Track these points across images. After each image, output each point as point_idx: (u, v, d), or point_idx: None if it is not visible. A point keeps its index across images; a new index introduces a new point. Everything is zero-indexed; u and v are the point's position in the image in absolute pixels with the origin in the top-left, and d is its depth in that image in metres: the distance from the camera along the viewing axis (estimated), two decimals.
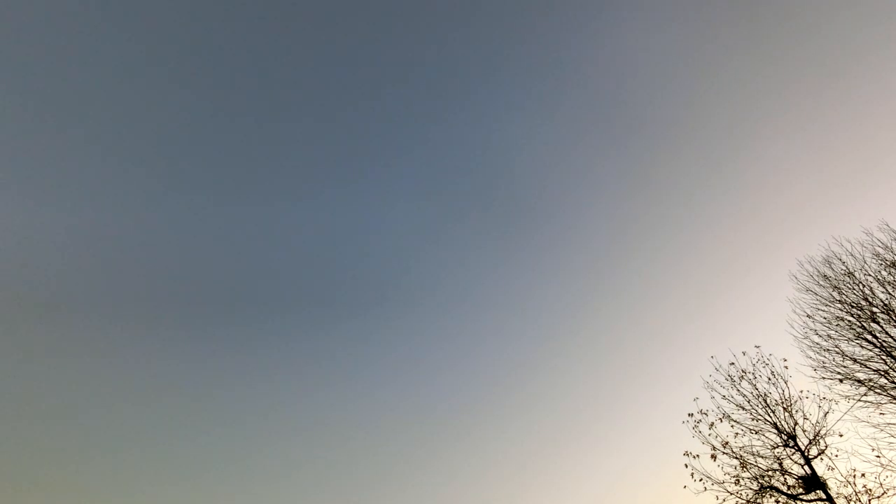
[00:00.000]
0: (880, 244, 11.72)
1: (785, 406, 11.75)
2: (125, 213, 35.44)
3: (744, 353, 12.61)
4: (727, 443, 11.90)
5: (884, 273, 11.46)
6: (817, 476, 10.92)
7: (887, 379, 10.96)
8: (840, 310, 11.85)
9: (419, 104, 43.16)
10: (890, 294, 11.22)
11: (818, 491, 10.81)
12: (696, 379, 13.04)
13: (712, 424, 12.16)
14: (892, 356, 10.91)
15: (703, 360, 13.11)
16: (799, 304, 12.65)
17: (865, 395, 11.20)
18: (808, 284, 12.67)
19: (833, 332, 11.86)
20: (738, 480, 11.45)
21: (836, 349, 11.71)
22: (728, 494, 11.35)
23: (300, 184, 42.45)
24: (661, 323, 36.44)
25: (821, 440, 11.23)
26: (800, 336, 12.36)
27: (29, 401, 28.18)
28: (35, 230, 31.31)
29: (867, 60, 30.35)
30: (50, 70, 32.18)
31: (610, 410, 33.91)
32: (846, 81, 31.82)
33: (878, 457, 10.59)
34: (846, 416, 11.26)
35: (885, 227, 11.80)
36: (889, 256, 11.54)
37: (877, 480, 10.50)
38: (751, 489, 11.31)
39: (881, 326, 11.12)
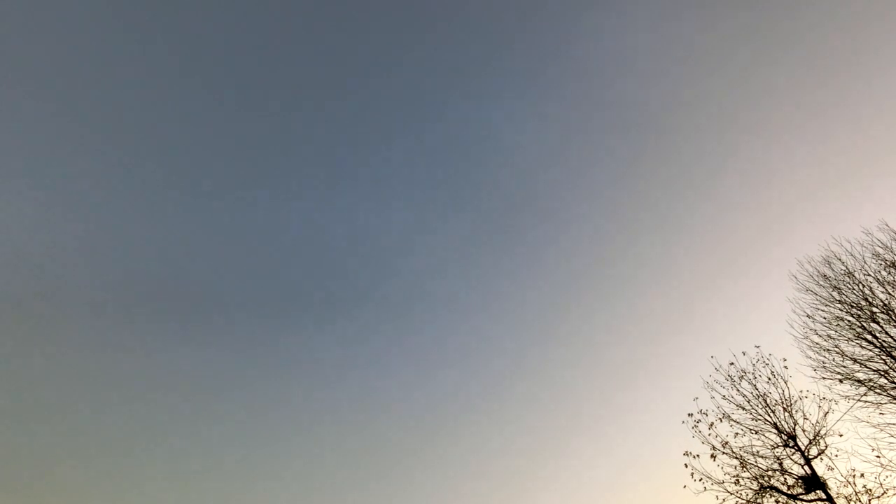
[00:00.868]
0: (880, 244, 11.73)
1: (785, 406, 11.76)
2: (119, 215, 35.46)
3: (744, 353, 12.63)
4: (727, 443, 11.90)
5: (883, 273, 11.47)
6: (817, 476, 10.92)
7: (887, 379, 10.97)
8: (840, 310, 11.86)
9: (412, 102, 43.17)
10: (890, 294, 11.22)
11: (818, 491, 10.81)
12: (695, 379, 13.06)
13: (712, 424, 12.17)
14: (892, 356, 10.91)
15: (703, 360, 13.12)
16: (799, 304, 12.66)
17: (865, 395, 11.20)
18: (807, 284, 12.68)
19: (833, 332, 11.87)
20: (738, 480, 11.45)
21: (836, 349, 11.72)
22: (728, 494, 11.36)
23: (292, 183, 42.45)
24: (660, 323, 36.45)
25: (821, 440, 11.23)
26: (800, 336, 12.37)
27: (29, 400, 28.21)
28: (33, 231, 31.32)
29: (867, 59, 30.36)
30: (47, 71, 32.21)
31: (609, 410, 33.91)
32: (846, 80, 31.83)
33: (878, 457, 10.60)
34: (846, 416, 11.27)
35: (885, 227, 11.81)
36: (889, 256, 11.54)
37: (877, 480, 10.51)
38: (751, 489, 11.32)
39: (881, 326, 11.12)
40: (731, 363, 12.67)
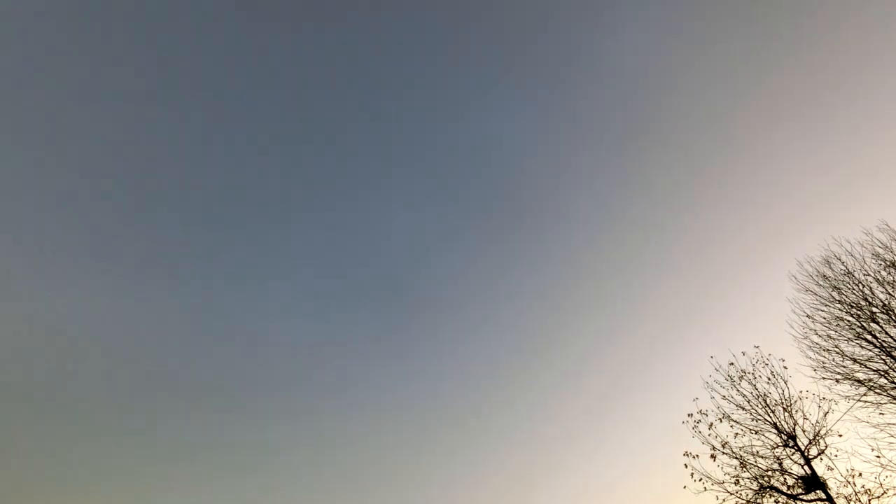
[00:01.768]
0: (880, 244, 11.72)
1: (785, 406, 11.75)
2: (120, 213, 35.41)
3: (744, 354, 12.63)
4: (727, 443, 11.90)
5: (883, 273, 11.46)
6: (817, 476, 10.92)
7: (887, 379, 10.96)
8: (840, 310, 11.85)
9: (426, 108, 43.22)
10: (890, 294, 11.21)
11: (818, 491, 10.80)
12: (695, 379, 13.05)
13: (712, 424, 12.16)
14: (892, 356, 10.90)
15: (703, 360, 13.12)
16: (799, 304, 12.65)
17: (865, 395, 11.19)
18: (807, 284, 12.68)
19: (833, 332, 11.86)
20: (738, 480, 11.45)
21: (836, 349, 11.71)
22: (728, 494, 11.35)
23: (308, 188, 42.53)
24: (661, 323, 36.43)
25: (821, 440, 11.23)
26: (800, 336, 12.36)
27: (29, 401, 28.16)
28: (33, 230, 31.32)
29: (868, 59, 30.35)
30: (48, 72, 32.20)
31: (609, 411, 33.89)
32: (846, 81, 31.82)
33: (877, 457, 10.59)
34: (846, 416, 11.27)
35: (885, 227, 11.80)
36: (889, 256, 11.54)
37: (876, 480, 10.50)
38: (751, 489, 11.31)
39: (881, 326, 11.11)
40: (731, 363, 12.68)
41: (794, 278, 13.00)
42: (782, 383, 11.96)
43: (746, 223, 35.84)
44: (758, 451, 11.62)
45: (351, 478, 31.32)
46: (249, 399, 34.42)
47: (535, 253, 42.38)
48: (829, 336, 11.90)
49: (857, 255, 11.96)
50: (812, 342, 12.12)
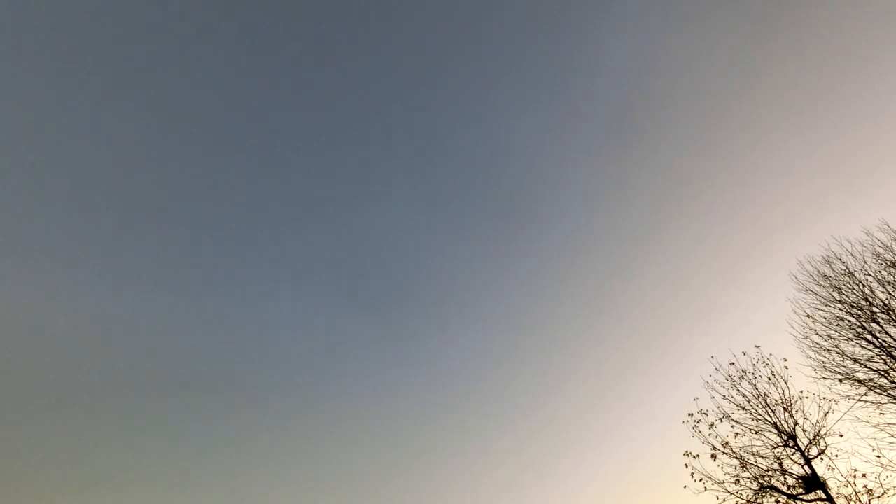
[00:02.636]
0: (880, 244, 11.72)
1: (785, 406, 11.75)
2: (121, 213, 35.40)
3: (744, 353, 12.62)
4: (727, 443, 11.89)
5: (884, 273, 11.45)
6: (817, 476, 10.91)
7: (887, 379, 10.96)
8: (840, 310, 11.85)
9: (425, 109, 43.19)
10: (890, 294, 11.21)
11: (818, 491, 10.80)
12: (695, 379, 13.05)
13: (712, 424, 12.16)
14: (892, 356, 10.90)
15: (703, 360, 13.11)
16: (799, 304, 12.65)
17: (865, 395, 11.19)
18: (808, 284, 12.67)
19: (833, 332, 11.86)
20: (738, 480, 11.44)
21: (836, 349, 11.71)
22: (728, 494, 11.35)
23: (308, 189, 42.53)
24: (661, 323, 36.43)
25: (821, 440, 11.22)
26: (800, 336, 12.36)
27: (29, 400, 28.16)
28: (31, 230, 31.28)
29: (868, 60, 30.35)
30: (50, 71, 32.17)
31: (609, 411, 33.90)
32: (847, 80, 31.82)
33: (878, 457, 10.58)
34: (846, 416, 11.26)
35: (885, 227, 11.80)
36: (889, 256, 11.53)
37: (877, 480, 10.50)
38: (751, 489, 11.31)
39: (881, 326, 11.11)
40: (732, 363, 12.67)
41: (794, 278, 13.01)
42: (782, 383, 11.96)
43: (747, 222, 35.86)
44: (758, 451, 11.62)
45: (349, 477, 31.33)
46: (251, 398, 34.42)
47: (534, 252, 42.40)
48: (829, 336, 11.90)
49: (857, 255, 11.97)
50: (812, 342, 12.13)
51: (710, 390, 12.59)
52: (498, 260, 42.62)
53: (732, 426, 12.06)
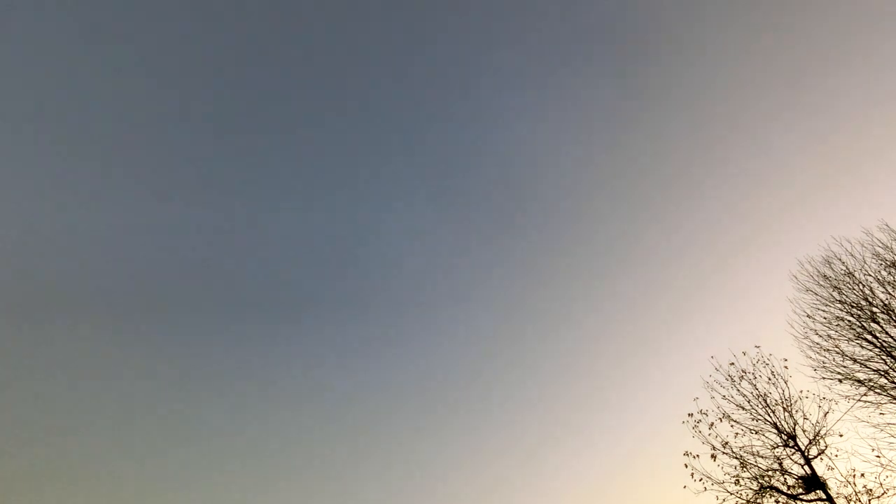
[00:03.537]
0: (880, 244, 11.73)
1: (785, 406, 11.76)
2: (123, 216, 35.45)
3: (744, 353, 12.64)
4: (727, 443, 11.91)
5: (884, 273, 11.47)
6: (817, 476, 10.93)
7: (887, 379, 10.97)
8: (840, 310, 11.86)
9: (418, 105, 43.17)
10: (890, 294, 11.22)
11: (818, 491, 10.81)
12: (695, 379, 13.07)
13: (712, 424, 12.17)
14: (892, 356, 10.91)
15: (703, 360, 13.13)
16: (799, 304, 12.66)
17: (865, 395, 11.20)
18: (808, 284, 12.69)
19: (833, 332, 11.87)
20: (738, 480, 11.46)
21: (836, 349, 11.72)
22: (728, 494, 11.37)
23: (298, 185, 42.47)
24: (660, 323, 36.46)
25: (821, 440, 11.24)
26: (800, 336, 12.37)
27: (29, 399, 28.22)
28: (34, 230, 31.31)
29: (868, 58, 30.37)
30: (47, 70, 32.18)
31: (609, 411, 33.92)
32: (846, 79, 31.84)
33: (878, 457, 10.60)
34: (846, 416, 11.28)
35: (885, 227, 11.81)
36: (889, 256, 11.54)
37: (877, 480, 10.51)
38: (751, 489, 11.32)
39: (881, 326, 11.12)
40: (731, 363, 12.69)
41: (794, 278, 13.02)
42: (782, 383, 11.98)
43: (747, 222, 35.89)
44: (758, 451, 11.64)
45: (337, 476, 31.33)
46: (249, 398, 34.43)
47: (527, 249, 42.38)
48: (829, 336, 11.91)
49: (857, 255, 11.98)
50: (812, 342, 12.14)
51: (709, 390, 12.62)
52: (490, 257, 42.60)
53: (732, 426, 12.09)
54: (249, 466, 30.94)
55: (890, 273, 11.38)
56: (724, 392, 12.46)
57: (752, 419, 11.96)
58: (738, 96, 36.32)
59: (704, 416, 12.35)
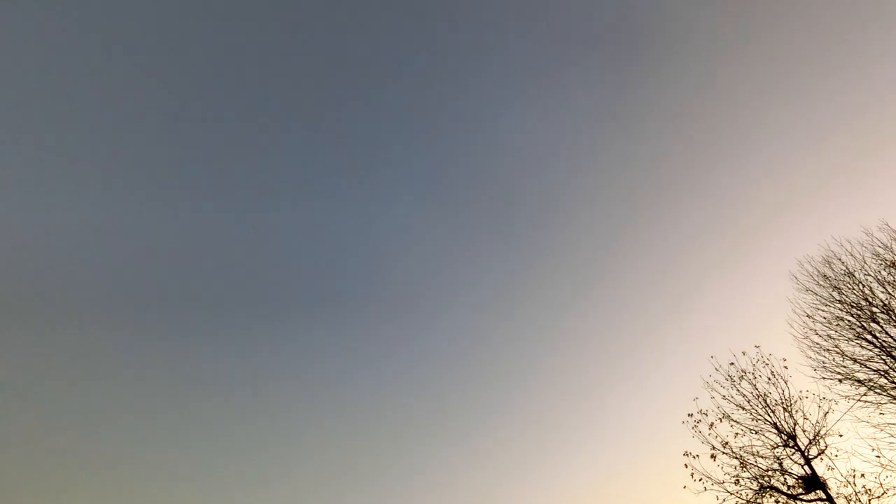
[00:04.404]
0: (880, 244, 11.73)
1: (785, 406, 11.77)
2: (130, 216, 35.46)
3: (744, 353, 12.65)
4: (727, 443, 11.91)
5: (884, 273, 11.47)
6: (817, 476, 10.93)
7: (887, 379, 10.97)
8: (840, 310, 11.86)
9: (418, 103, 43.18)
10: (890, 294, 11.22)
11: (818, 491, 10.81)
12: (695, 379, 13.07)
13: (712, 424, 12.18)
14: (892, 356, 10.91)
15: (703, 360, 13.13)
16: (799, 304, 12.66)
17: (865, 395, 11.21)
18: (807, 284, 12.69)
19: (833, 332, 11.87)
20: (738, 480, 11.46)
21: (836, 349, 11.72)
22: (728, 494, 11.37)
23: (297, 185, 42.48)
24: (660, 322, 36.46)
25: (821, 440, 11.24)
26: (800, 336, 12.37)
27: (30, 400, 28.23)
28: (39, 229, 31.31)
29: (868, 58, 30.37)
30: (50, 69, 32.18)
31: (608, 410, 33.91)
32: (846, 79, 31.83)
33: (878, 457, 10.60)
34: (846, 416, 11.28)
35: (885, 227, 11.81)
36: (889, 256, 11.54)
37: (877, 480, 10.51)
38: (751, 489, 11.32)
39: (881, 326, 11.12)
40: (731, 363, 12.70)
41: (794, 278, 13.02)
42: (782, 383, 11.98)
43: (747, 222, 35.88)
44: (758, 451, 11.64)
45: (335, 474, 31.33)
46: (249, 397, 34.45)
47: (525, 248, 42.34)
48: (829, 336, 11.91)
49: (857, 255, 11.98)
50: (812, 342, 12.15)
51: (709, 390, 12.62)
52: (488, 257, 42.59)
53: (732, 426, 12.09)
54: (248, 466, 30.96)
55: (890, 273, 11.39)
56: (724, 392, 12.47)
57: (752, 419, 11.97)
58: (737, 95, 36.31)
59: (704, 416, 12.36)
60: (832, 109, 32.65)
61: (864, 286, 11.61)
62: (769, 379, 12.15)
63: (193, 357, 34.57)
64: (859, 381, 11.29)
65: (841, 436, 11.15)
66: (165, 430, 30.53)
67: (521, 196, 42.53)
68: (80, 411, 29.47)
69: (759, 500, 11.22)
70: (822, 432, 11.27)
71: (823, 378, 11.74)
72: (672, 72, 37.51)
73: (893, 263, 11.42)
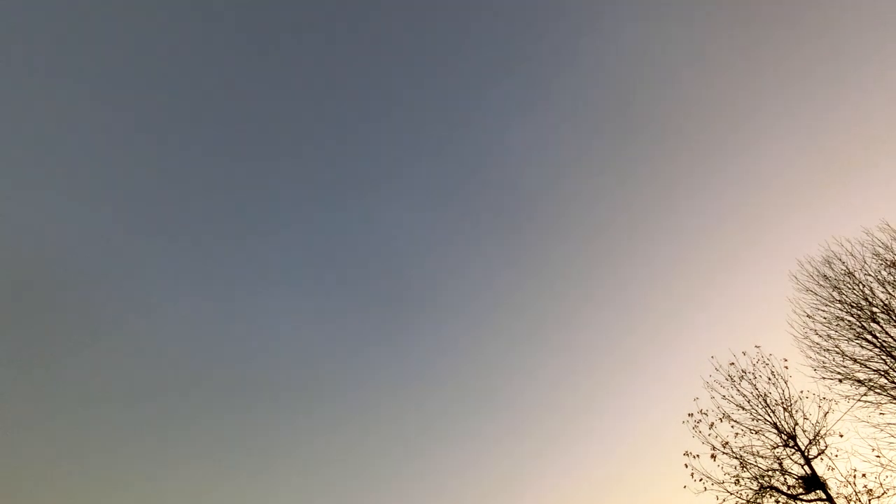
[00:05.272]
0: (880, 244, 11.72)
1: (785, 406, 11.76)
2: (120, 215, 35.44)
3: (744, 353, 12.63)
4: (727, 443, 11.90)
5: (884, 273, 11.46)
6: (817, 476, 10.92)
7: (887, 379, 10.96)
8: (840, 310, 11.85)
9: (427, 109, 43.20)
10: (890, 294, 11.21)
11: (818, 491, 10.81)
12: (695, 379, 13.07)
13: (712, 424, 12.16)
14: (892, 356, 10.90)
15: (703, 360, 13.12)
16: (799, 304, 12.65)
17: (865, 395, 11.20)
18: (808, 284, 12.68)
19: (833, 332, 11.87)
20: (738, 480, 11.45)
21: (836, 349, 11.72)
22: (728, 494, 11.36)
23: (308, 190, 42.61)
24: (660, 322, 36.44)
25: (821, 440, 11.23)
26: (800, 336, 12.36)
27: (29, 398, 28.22)
28: (34, 230, 31.32)
29: (868, 58, 30.35)
30: (47, 70, 32.16)
31: (608, 411, 33.91)
32: (846, 79, 31.81)
33: (878, 457, 10.59)
34: (846, 416, 11.27)
35: (886, 226, 11.80)
36: (889, 256, 11.54)
37: (877, 480, 10.50)
38: (751, 489, 11.31)
39: (881, 326, 11.12)
40: (731, 363, 12.68)
41: (794, 278, 13.01)
42: (782, 383, 11.97)
43: (747, 222, 35.87)
44: (758, 451, 11.63)
45: (347, 476, 31.37)
46: (252, 399, 34.45)
47: (531, 251, 42.39)
48: (829, 336, 11.90)
49: (857, 255, 11.97)
50: (812, 342, 12.14)
51: (709, 390, 12.61)
52: (494, 259, 42.63)
53: (732, 426, 12.08)
54: (248, 465, 30.94)
55: (890, 273, 11.38)
56: (724, 392, 12.46)
57: (752, 419, 11.96)
58: (738, 96, 36.31)
59: (704, 416, 12.35)
60: (832, 110, 32.65)
61: (864, 286, 11.61)
62: (769, 379, 12.14)
63: (191, 355, 34.55)
64: (859, 381, 11.29)
65: (841, 436, 11.15)
66: (167, 429, 30.55)
67: (527, 200, 42.62)
68: (80, 413, 29.47)
69: (759, 500, 11.21)
70: (822, 432, 11.26)
71: (823, 378, 11.74)
72: (674, 75, 37.50)
73: (893, 263, 11.41)
